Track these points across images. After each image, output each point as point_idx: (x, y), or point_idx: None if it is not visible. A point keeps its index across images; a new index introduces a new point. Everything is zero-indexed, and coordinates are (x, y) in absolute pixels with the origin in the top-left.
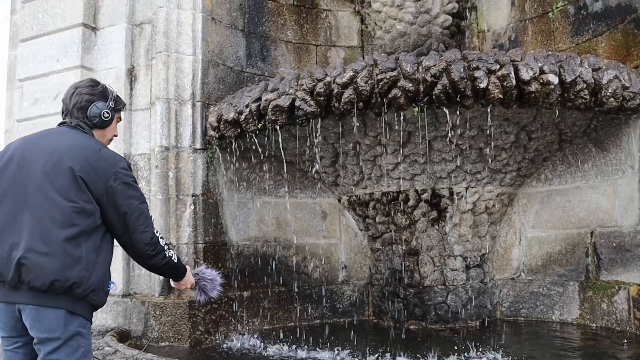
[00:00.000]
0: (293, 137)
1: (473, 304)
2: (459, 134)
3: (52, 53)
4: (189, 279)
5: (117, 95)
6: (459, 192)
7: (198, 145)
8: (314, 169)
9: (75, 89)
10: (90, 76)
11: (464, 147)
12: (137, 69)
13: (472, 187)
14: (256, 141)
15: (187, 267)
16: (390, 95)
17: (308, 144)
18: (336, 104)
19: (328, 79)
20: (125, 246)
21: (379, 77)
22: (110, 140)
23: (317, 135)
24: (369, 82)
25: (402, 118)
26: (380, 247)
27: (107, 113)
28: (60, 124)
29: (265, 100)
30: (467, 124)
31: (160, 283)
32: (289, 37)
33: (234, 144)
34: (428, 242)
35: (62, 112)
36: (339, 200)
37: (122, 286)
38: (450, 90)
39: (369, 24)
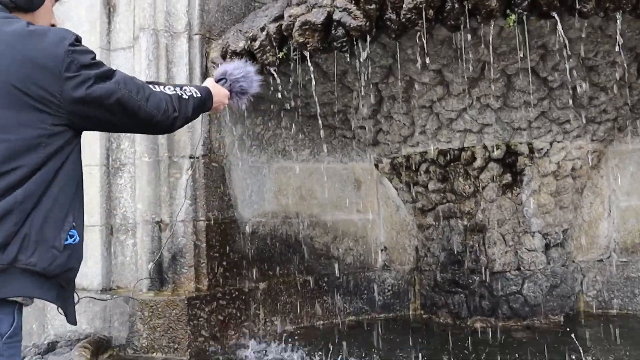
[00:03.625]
0: (321, 75)
1: (554, 293)
2: (551, 66)
3: None
4: (222, 94)
5: None
6: (542, 149)
7: None
8: (352, 121)
9: None
10: (56, 6)
11: (554, 86)
12: None
13: (558, 142)
14: (277, 80)
15: (209, 81)
16: None
17: (345, 83)
18: (393, 16)
19: None
20: (137, 131)
21: None
22: None
23: (364, 63)
24: None
25: (490, 33)
26: (433, 223)
27: None
28: None
29: (290, 17)
30: (564, 50)
31: (150, 274)
32: None
33: None
34: (498, 215)
35: None
36: (377, 166)
37: (101, 278)
38: None
39: None
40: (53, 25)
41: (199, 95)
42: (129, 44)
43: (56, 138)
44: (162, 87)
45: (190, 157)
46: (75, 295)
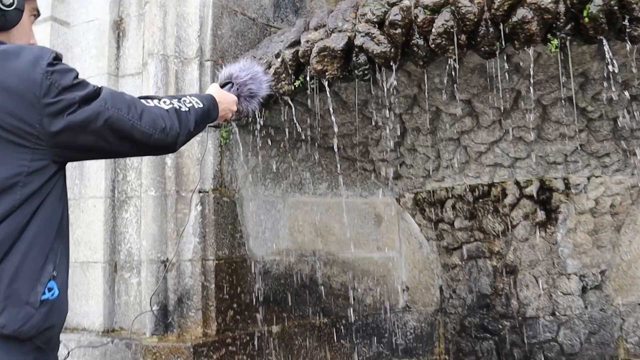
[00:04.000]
0: (341, 105)
1: (593, 341)
2: (592, 95)
3: None
4: (229, 100)
5: None
6: (579, 184)
7: None
8: (373, 154)
9: None
10: (64, 31)
11: (594, 117)
12: (126, 21)
13: (597, 177)
14: (293, 110)
15: (213, 87)
16: (513, 19)
17: (366, 113)
18: (420, 41)
19: (406, 2)
20: (135, 154)
21: None
22: None
23: (388, 93)
24: (476, 0)
25: (527, 60)
26: (459, 263)
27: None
28: None
29: (307, 42)
30: (608, 79)
31: (154, 318)
32: None
33: (258, 116)
34: (531, 256)
35: None
36: (398, 200)
37: (103, 319)
38: (616, 7)
39: None
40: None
41: (201, 105)
42: (138, 70)
43: (36, 175)
44: (156, 101)
45: (199, 192)
46: (64, 349)
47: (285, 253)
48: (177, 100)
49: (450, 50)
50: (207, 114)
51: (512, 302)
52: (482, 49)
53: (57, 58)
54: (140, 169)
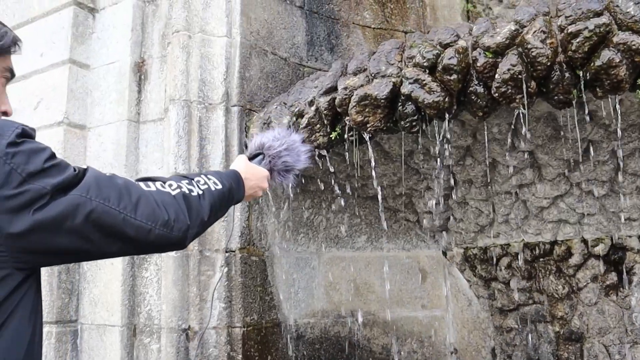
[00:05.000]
0: (383, 155)
1: None
2: None
3: (36, 46)
4: (258, 175)
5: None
6: None
7: None
8: (418, 205)
9: None
10: (83, 74)
11: None
12: (148, 63)
13: None
14: (328, 159)
15: (241, 160)
16: (596, 63)
17: (411, 166)
18: (480, 89)
19: (462, 43)
20: (128, 254)
21: (571, 29)
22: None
23: (439, 144)
24: (549, 41)
25: (606, 108)
26: (516, 326)
27: None
28: None
29: (345, 89)
30: None
31: None
32: (366, 21)
33: None
34: (600, 322)
35: None
36: (445, 253)
37: None
38: None
39: (478, 0)
40: (5, 113)
41: (220, 186)
42: (160, 115)
43: None
44: (159, 183)
45: (225, 251)
46: None
47: (321, 314)
48: (187, 181)
49: (517, 100)
50: (229, 196)
51: None
52: (556, 97)
53: (24, 134)
54: None
